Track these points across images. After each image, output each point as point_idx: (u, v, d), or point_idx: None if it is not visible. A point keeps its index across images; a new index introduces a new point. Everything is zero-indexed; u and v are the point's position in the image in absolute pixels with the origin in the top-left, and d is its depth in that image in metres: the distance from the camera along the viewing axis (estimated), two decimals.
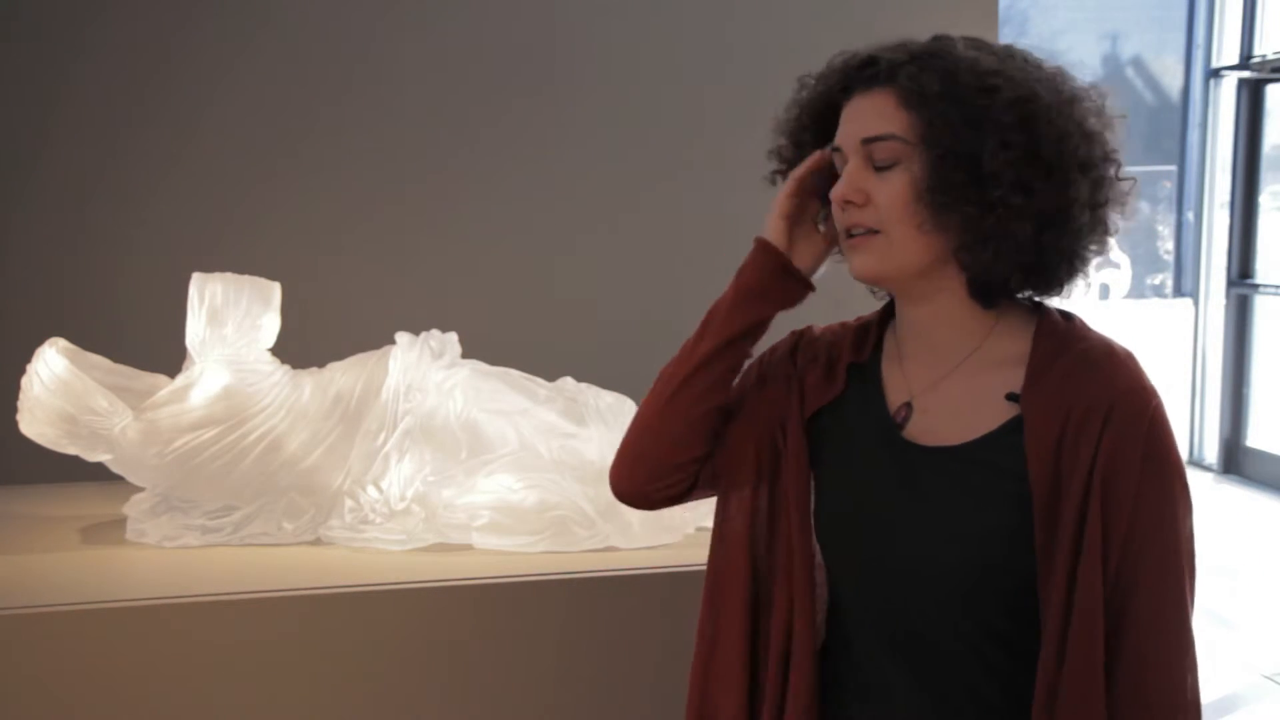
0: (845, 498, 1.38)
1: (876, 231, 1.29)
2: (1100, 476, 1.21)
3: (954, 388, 1.33)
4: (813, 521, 1.41)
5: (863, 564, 1.37)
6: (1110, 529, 1.21)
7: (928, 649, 1.32)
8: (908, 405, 1.36)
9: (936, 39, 1.35)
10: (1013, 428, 1.27)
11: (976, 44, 1.32)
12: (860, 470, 1.37)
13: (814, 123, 1.40)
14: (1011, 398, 1.28)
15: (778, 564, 1.42)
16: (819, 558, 1.42)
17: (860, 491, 1.37)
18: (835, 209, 1.33)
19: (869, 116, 1.30)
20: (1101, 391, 1.23)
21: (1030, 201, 1.23)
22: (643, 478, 1.47)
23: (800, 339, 1.48)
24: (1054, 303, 1.36)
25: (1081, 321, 1.33)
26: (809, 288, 1.43)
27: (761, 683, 1.41)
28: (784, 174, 1.43)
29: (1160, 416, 1.24)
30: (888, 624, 1.35)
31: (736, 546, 1.44)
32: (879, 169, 1.28)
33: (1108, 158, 1.28)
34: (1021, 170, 1.22)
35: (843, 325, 1.47)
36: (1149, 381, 1.26)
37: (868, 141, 1.29)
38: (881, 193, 1.28)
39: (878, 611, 1.36)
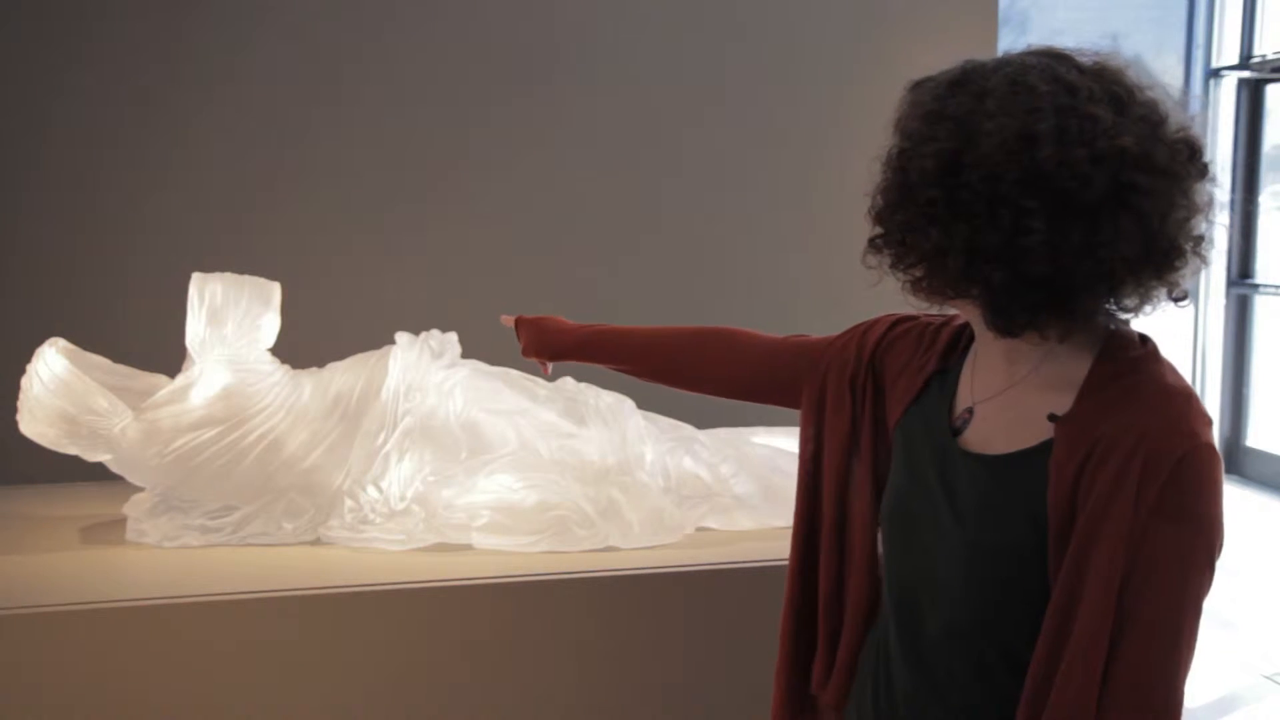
0: (898, 496, 1.40)
1: None
2: (1114, 511, 1.18)
3: (1013, 401, 1.32)
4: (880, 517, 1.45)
5: (898, 562, 1.39)
6: (1114, 564, 1.18)
7: (939, 662, 1.32)
8: (970, 410, 1.37)
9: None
10: (1046, 449, 1.26)
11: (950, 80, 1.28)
12: (916, 471, 1.39)
13: None
14: (1052, 418, 1.26)
15: (846, 554, 1.50)
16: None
17: (910, 492, 1.38)
18: None
19: None
20: (1133, 426, 1.20)
21: (950, 247, 1.23)
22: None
23: (893, 334, 1.51)
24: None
25: (1152, 350, 1.29)
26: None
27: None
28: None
29: (1192, 462, 1.17)
30: (908, 629, 1.36)
31: (799, 523, 1.56)
32: None
33: (1081, 186, 1.19)
34: (938, 220, 1.23)
35: (943, 321, 1.48)
36: (1194, 425, 1.19)
37: None
38: None
39: (903, 613, 1.37)
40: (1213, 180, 1.24)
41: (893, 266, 1.30)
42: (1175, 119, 1.23)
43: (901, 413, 1.44)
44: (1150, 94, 1.23)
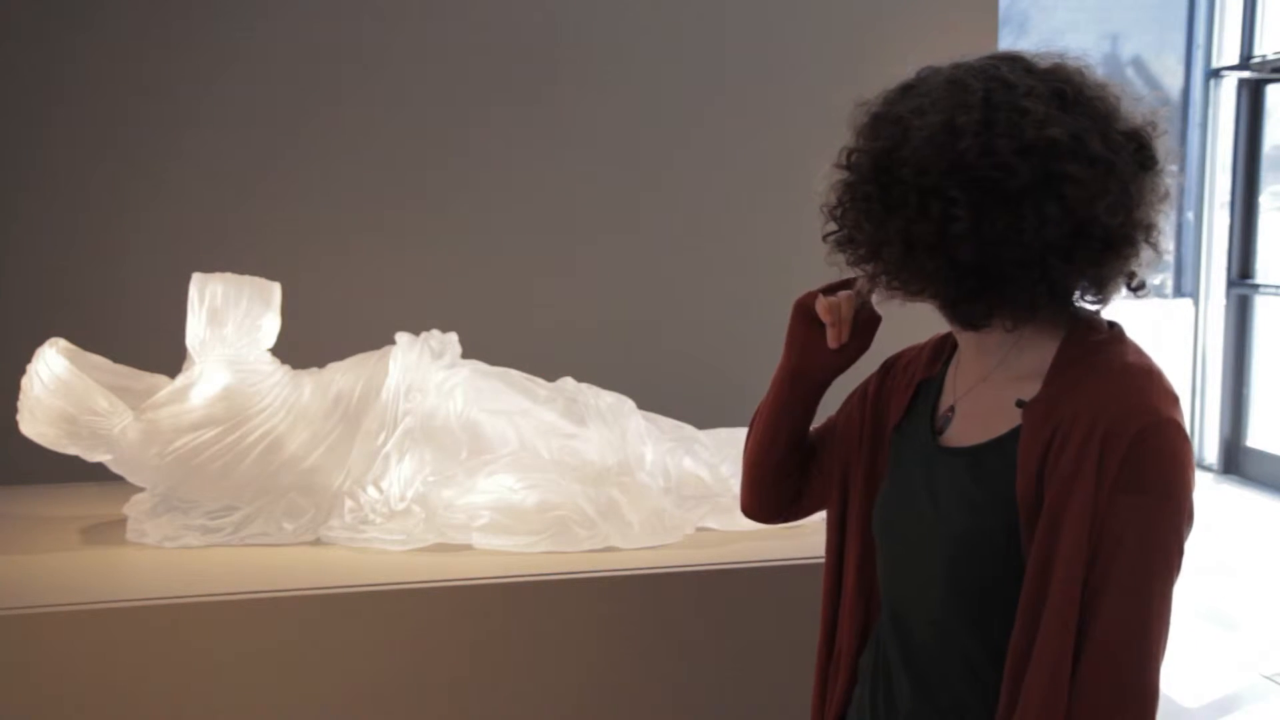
0: (888, 498, 1.42)
1: None
2: (1076, 490, 1.19)
3: (985, 394, 1.35)
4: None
5: (889, 570, 1.40)
6: (1078, 544, 1.19)
7: (932, 667, 1.33)
8: (952, 409, 1.39)
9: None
10: (1015, 436, 1.28)
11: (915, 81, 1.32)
12: (904, 477, 1.41)
13: None
14: (1019, 404, 1.28)
15: (846, 563, 1.52)
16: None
17: (895, 498, 1.40)
18: None
19: None
20: (1093, 405, 1.21)
21: (882, 239, 1.27)
22: (750, 497, 1.64)
23: (888, 367, 1.55)
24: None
25: (1118, 334, 1.31)
26: (859, 347, 1.52)
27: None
28: None
29: (1151, 436, 1.18)
30: (902, 637, 1.37)
31: (829, 550, 1.56)
32: None
33: (1043, 183, 1.21)
34: (866, 213, 1.28)
35: (928, 341, 1.52)
36: (1153, 401, 1.21)
37: None
38: None
39: (897, 622, 1.38)
40: (1163, 173, 1.27)
41: (848, 263, 1.35)
42: (1128, 115, 1.26)
43: (893, 427, 1.46)
44: (1101, 91, 1.26)
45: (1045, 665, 1.19)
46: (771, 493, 1.61)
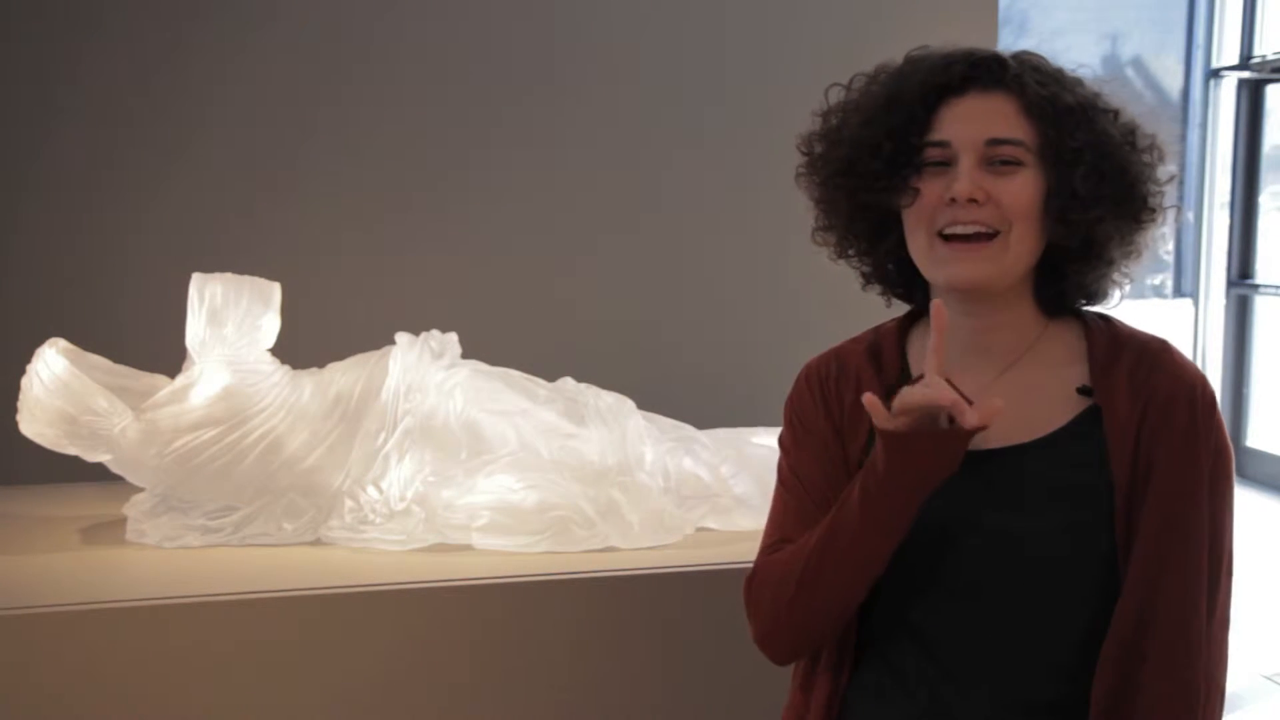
0: (921, 524, 1.32)
1: (992, 235, 1.28)
2: (1193, 459, 1.26)
3: (1010, 389, 1.32)
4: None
5: (930, 582, 1.33)
6: (1200, 508, 1.26)
7: (1014, 675, 1.29)
8: None
9: (1027, 54, 1.38)
10: (1087, 419, 1.29)
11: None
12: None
13: (895, 119, 1.34)
14: (1084, 391, 1.30)
15: None
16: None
17: (934, 516, 1.31)
18: (933, 207, 1.31)
19: (992, 118, 1.30)
20: (1177, 382, 1.29)
21: (1121, 220, 1.31)
22: (781, 649, 1.49)
23: (819, 385, 1.43)
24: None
25: (1118, 319, 1.39)
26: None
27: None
28: (824, 173, 1.49)
29: (1214, 399, 1.31)
30: (964, 653, 1.32)
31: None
32: (998, 170, 1.29)
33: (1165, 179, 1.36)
34: (1123, 190, 1.30)
35: (848, 350, 1.44)
36: (1197, 368, 1.34)
37: (993, 143, 1.29)
38: (1005, 193, 1.28)
39: (951, 633, 1.32)
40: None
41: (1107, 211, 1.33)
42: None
43: (861, 449, 1.38)
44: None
45: (1174, 630, 1.23)
46: (815, 641, 1.46)
